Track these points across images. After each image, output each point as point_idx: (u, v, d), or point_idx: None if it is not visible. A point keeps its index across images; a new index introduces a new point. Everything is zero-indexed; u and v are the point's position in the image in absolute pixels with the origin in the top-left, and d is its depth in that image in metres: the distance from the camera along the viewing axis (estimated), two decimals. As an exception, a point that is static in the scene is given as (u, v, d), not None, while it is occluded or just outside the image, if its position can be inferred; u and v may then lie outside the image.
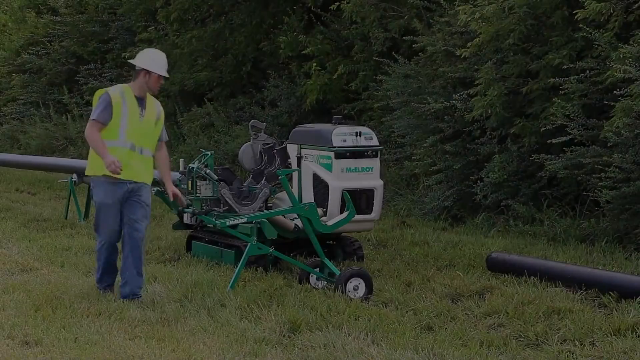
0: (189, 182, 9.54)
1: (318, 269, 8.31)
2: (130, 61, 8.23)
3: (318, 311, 7.34)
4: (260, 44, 18.50)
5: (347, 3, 14.65)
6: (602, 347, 6.43)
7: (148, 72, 7.95)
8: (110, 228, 8.03)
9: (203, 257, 9.58)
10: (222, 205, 9.57)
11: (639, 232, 9.56)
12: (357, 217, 8.90)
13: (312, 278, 8.37)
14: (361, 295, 7.93)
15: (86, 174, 8.26)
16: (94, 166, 7.99)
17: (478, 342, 6.62)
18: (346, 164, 8.90)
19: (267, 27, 18.57)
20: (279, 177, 8.42)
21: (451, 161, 12.03)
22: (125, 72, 22.65)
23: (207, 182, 9.49)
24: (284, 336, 6.84)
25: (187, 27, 19.95)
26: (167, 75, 8.17)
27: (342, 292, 7.85)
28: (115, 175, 7.79)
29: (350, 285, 7.96)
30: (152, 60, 8.04)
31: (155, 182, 10.23)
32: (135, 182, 7.95)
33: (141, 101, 7.98)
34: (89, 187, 12.55)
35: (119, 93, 7.93)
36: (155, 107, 8.13)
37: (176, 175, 10.29)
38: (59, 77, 24.63)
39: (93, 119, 7.87)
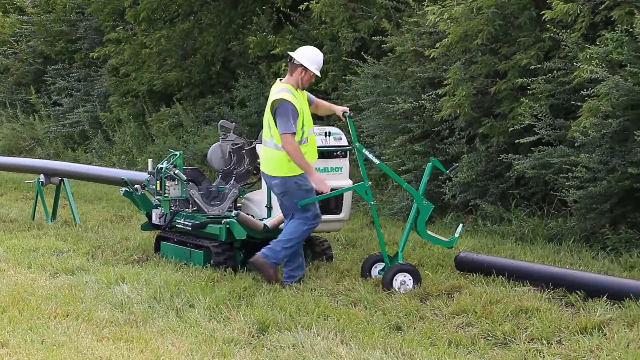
0: (158, 182, 9.50)
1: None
2: (290, 53, 8.55)
3: (287, 311, 7.34)
4: (230, 44, 18.48)
5: (316, 3, 14.66)
6: (569, 346, 6.47)
7: (305, 69, 8.34)
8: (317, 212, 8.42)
9: (172, 257, 9.54)
10: (190, 205, 9.54)
11: (606, 231, 9.63)
12: (326, 217, 8.94)
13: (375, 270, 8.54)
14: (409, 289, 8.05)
15: (280, 175, 8.38)
16: (288, 167, 8.30)
17: (446, 341, 6.64)
18: (315, 164, 8.88)
19: (236, 27, 18.55)
20: (359, 152, 8.50)
21: (420, 161, 12.07)
22: (93, 72, 22.58)
23: (176, 182, 9.47)
24: (252, 336, 6.83)
25: (156, 27, 19.89)
26: (320, 76, 8.65)
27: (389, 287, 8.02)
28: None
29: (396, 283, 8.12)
30: (311, 58, 8.42)
31: (123, 183, 10.22)
32: None
33: (300, 89, 8.44)
34: (57, 187, 12.57)
35: (293, 97, 8.28)
36: (304, 94, 8.54)
37: (144, 175, 10.25)
38: (26, 77, 24.50)
39: (290, 132, 8.17)
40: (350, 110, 8.94)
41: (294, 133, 8.22)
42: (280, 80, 8.56)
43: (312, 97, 8.82)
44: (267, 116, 8.44)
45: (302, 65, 8.38)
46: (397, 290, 8.02)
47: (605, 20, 10.12)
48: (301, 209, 8.36)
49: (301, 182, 8.35)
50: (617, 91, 9.30)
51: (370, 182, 8.53)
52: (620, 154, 9.52)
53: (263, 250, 8.41)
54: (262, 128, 8.66)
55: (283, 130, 8.21)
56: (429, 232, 8.51)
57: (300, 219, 8.40)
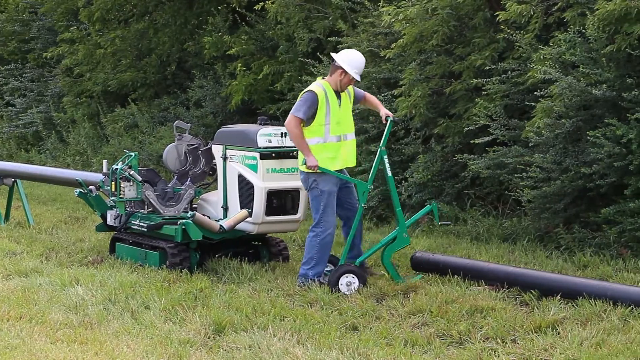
0: (113, 183, 9.44)
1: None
2: (333, 55, 8.63)
3: (243, 312, 7.33)
4: (185, 44, 18.42)
5: (272, 3, 14.66)
6: (524, 345, 6.52)
7: (345, 72, 8.32)
8: (335, 214, 8.43)
9: (127, 259, 9.48)
10: (146, 206, 9.49)
11: (559, 231, 9.71)
12: (282, 217, 8.94)
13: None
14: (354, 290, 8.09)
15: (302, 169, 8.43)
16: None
17: (402, 341, 6.66)
18: (271, 164, 8.88)
19: (191, 28, 18.49)
20: (380, 156, 8.49)
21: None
22: (46, 72, 22.39)
23: (131, 183, 9.42)
24: (208, 338, 6.81)
25: (110, 27, 19.78)
26: (359, 80, 8.57)
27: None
28: (336, 168, 8.35)
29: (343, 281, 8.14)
30: (352, 61, 8.41)
31: (78, 184, 10.14)
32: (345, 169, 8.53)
33: (337, 93, 8.44)
34: (10, 188, 12.42)
35: (320, 91, 8.33)
36: (346, 91, 8.55)
37: (99, 176, 10.18)
38: (-22, 78, 24.24)
39: (296, 116, 8.27)
40: (393, 115, 8.96)
41: (301, 120, 8.26)
42: (323, 78, 8.62)
43: (361, 92, 8.89)
44: None
45: (342, 68, 8.39)
46: (344, 292, 8.03)
47: (558, 22, 10.21)
48: (315, 221, 8.40)
49: (317, 179, 8.34)
50: (570, 92, 9.40)
51: (372, 187, 8.56)
52: (573, 154, 9.62)
53: (298, 278, 8.43)
54: (218, 128, 8.64)
55: (293, 112, 8.32)
56: (391, 262, 8.51)
57: (312, 232, 8.41)
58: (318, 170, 8.25)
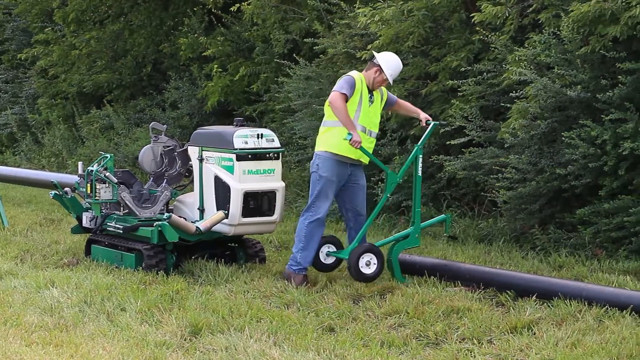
0: (88, 185, 9.40)
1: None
2: (374, 52, 8.90)
3: (220, 314, 7.32)
4: (161, 45, 18.37)
5: (248, 5, 14.65)
6: (500, 345, 6.55)
7: (380, 70, 8.47)
8: (328, 204, 8.54)
9: (103, 260, 9.44)
10: (122, 208, 9.45)
11: (535, 231, 9.76)
12: (259, 219, 8.93)
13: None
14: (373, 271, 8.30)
15: (318, 149, 8.61)
16: (325, 143, 8.52)
17: (379, 342, 6.67)
18: (248, 166, 8.87)
19: (167, 29, 18.45)
20: (415, 154, 8.60)
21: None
22: (21, 74, 22.27)
23: (107, 185, 9.38)
24: (185, 339, 6.79)
25: (85, 28, 19.70)
26: (391, 84, 8.77)
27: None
28: (347, 155, 8.44)
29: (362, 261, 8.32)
30: (390, 63, 8.56)
31: (53, 186, 10.08)
32: (359, 164, 8.63)
33: (369, 89, 8.55)
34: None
35: (359, 79, 8.48)
36: (379, 92, 8.67)
37: (74, 178, 10.13)
38: (-48, 79, 24.06)
39: (341, 92, 8.36)
40: (433, 119, 9.04)
41: (345, 96, 8.35)
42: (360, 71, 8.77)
43: (394, 97, 9.01)
44: None
45: (378, 66, 8.50)
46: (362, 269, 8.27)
47: (533, 23, 10.27)
48: (307, 205, 8.59)
49: (320, 164, 8.47)
50: (545, 93, 9.45)
51: (401, 181, 8.75)
52: (548, 155, 9.67)
53: (290, 259, 8.63)
54: (194, 130, 8.62)
55: (336, 89, 8.42)
56: (398, 259, 8.61)
57: (303, 215, 8.59)
58: (358, 149, 8.34)
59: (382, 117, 11.46)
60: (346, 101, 8.36)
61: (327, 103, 8.53)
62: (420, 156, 8.63)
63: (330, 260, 8.69)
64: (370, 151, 8.61)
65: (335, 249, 8.73)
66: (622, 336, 6.55)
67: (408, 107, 9.15)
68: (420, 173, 8.66)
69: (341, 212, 8.87)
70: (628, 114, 8.95)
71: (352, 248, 8.49)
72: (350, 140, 8.23)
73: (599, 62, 9.34)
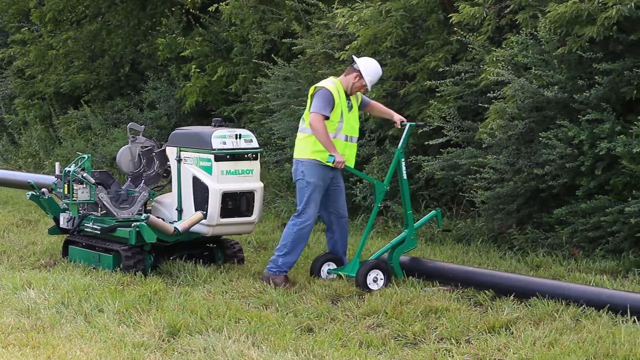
0: (65, 185, 9.36)
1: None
2: (354, 57, 8.77)
3: (198, 314, 7.30)
4: (139, 45, 18.32)
5: (226, 5, 14.62)
6: (478, 345, 6.56)
7: (360, 76, 8.47)
8: (317, 209, 8.54)
9: (80, 262, 9.40)
10: (99, 209, 9.41)
11: (513, 231, 9.80)
12: (237, 219, 8.92)
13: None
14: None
15: (300, 157, 8.59)
16: (307, 150, 8.50)
17: (357, 342, 6.67)
18: (226, 166, 8.86)
19: (145, 29, 18.41)
20: (397, 158, 8.65)
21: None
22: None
23: (84, 185, 9.33)
24: (163, 340, 6.77)
25: (62, 28, 19.61)
26: (369, 90, 8.81)
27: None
28: (321, 160, 8.42)
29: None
30: (370, 69, 8.54)
31: (30, 187, 10.03)
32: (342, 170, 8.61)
33: (346, 94, 8.55)
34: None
35: (336, 89, 8.44)
36: (355, 97, 8.68)
37: (52, 179, 10.08)
38: None
39: (322, 114, 8.34)
40: (406, 120, 9.08)
41: (327, 117, 8.34)
42: (337, 77, 8.73)
43: (367, 99, 9.01)
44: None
45: (358, 72, 8.48)
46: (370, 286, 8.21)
47: (510, 24, 10.30)
48: (298, 211, 8.53)
49: (306, 171, 8.46)
50: (522, 93, 9.48)
51: (388, 188, 8.74)
52: (526, 155, 9.70)
53: (269, 262, 8.58)
54: (172, 130, 8.60)
55: (315, 110, 8.36)
56: (399, 263, 8.65)
57: (292, 220, 8.55)
58: (344, 167, 8.43)
59: (359, 117, 11.55)
60: (326, 119, 8.38)
61: (306, 111, 8.52)
62: (403, 160, 8.65)
63: (331, 277, 8.64)
64: (354, 156, 8.66)
65: (335, 266, 8.73)
66: (599, 335, 6.58)
67: (381, 108, 9.19)
68: (405, 176, 8.70)
69: (321, 215, 8.84)
70: (605, 115, 9.00)
71: (354, 264, 8.50)
72: (333, 162, 8.30)
73: (575, 62, 9.39)
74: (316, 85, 8.62)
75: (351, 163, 8.64)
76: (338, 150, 8.40)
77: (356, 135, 8.69)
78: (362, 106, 8.91)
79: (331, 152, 8.34)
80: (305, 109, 8.71)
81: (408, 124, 8.84)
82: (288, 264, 8.49)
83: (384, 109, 9.18)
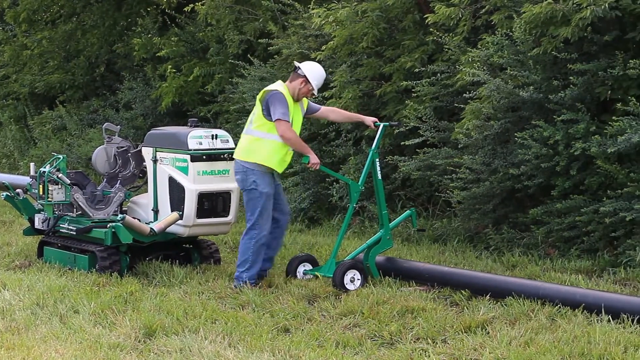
0: (40, 186, 9.31)
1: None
2: (296, 63, 8.59)
3: (174, 315, 7.28)
4: (114, 45, 18.25)
5: (202, 5, 14.60)
6: (454, 345, 6.58)
7: (306, 82, 8.38)
8: (270, 217, 8.48)
9: (56, 262, 9.36)
10: (75, 209, 9.37)
11: (489, 231, 9.83)
12: (213, 219, 8.91)
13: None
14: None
15: (249, 160, 8.40)
16: (255, 155, 8.35)
17: (334, 342, 6.67)
18: (202, 166, 8.84)
19: (120, 29, 18.34)
20: (371, 159, 8.64)
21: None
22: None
23: (59, 186, 9.29)
24: (139, 341, 6.75)
25: (37, 28, 19.52)
26: (316, 95, 8.62)
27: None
28: (277, 168, 8.38)
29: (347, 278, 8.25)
30: (315, 74, 8.46)
31: (5, 187, 9.98)
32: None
33: (293, 99, 8.45)
34: None
35: (287, 93, 8.37)
36: (301, 103, 8.57)
37: (26, 179, 10.03)
38: None
39: (286, 120, 8.25)
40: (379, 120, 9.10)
41: (289, 122, 8.28)
42: (282, 82, 8.65)
43: (316, 105, 8.93)
44: (254, 110, 8.53)
45: (304, 77, 8.40)
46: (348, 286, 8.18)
47: (486, 25, 10.34)
48: (250, 223, 8.42)
49: (258, 180, 8.36)
50: (498, 94, 9.52)
51: (363, 188, 8.71)
52: (501, 155, 9.74)
53: (234, 280, 8.47)
54: (148, 131, 8.56)
55: (280, 117, 8.25)
56: (375, 263, 8.66)
57: (247, 234, 8.45)
58: (319, 169, 8.48)
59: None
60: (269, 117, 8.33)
61: (259, 111, 8.39)
62: (377, 160, 8.66)
63: (308, 277, 8.62)
64: (291, 159, 8.60)
65: (311, 267, 8.71)
66: (574, 335, 6.61)
67: (344, 114, 9.16)
68: (380, 177, 8.71)
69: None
70: (579, 115, 9.05)
71: (330, 264, 8.48)
72: (308, 163, 8.31)
73: (550, 63, 9.43)
74: (266, 89, 8.50)
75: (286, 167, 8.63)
76: (284, 154, 8.36)
77: None
78: (311, 111, 8.81)
79: (307, 154, 8.35)
80: (253, 110, 8.58)
81: (382, 125, 8.84)
82: (253, 276, 8.42)
83: (349, 114, 9.17)
